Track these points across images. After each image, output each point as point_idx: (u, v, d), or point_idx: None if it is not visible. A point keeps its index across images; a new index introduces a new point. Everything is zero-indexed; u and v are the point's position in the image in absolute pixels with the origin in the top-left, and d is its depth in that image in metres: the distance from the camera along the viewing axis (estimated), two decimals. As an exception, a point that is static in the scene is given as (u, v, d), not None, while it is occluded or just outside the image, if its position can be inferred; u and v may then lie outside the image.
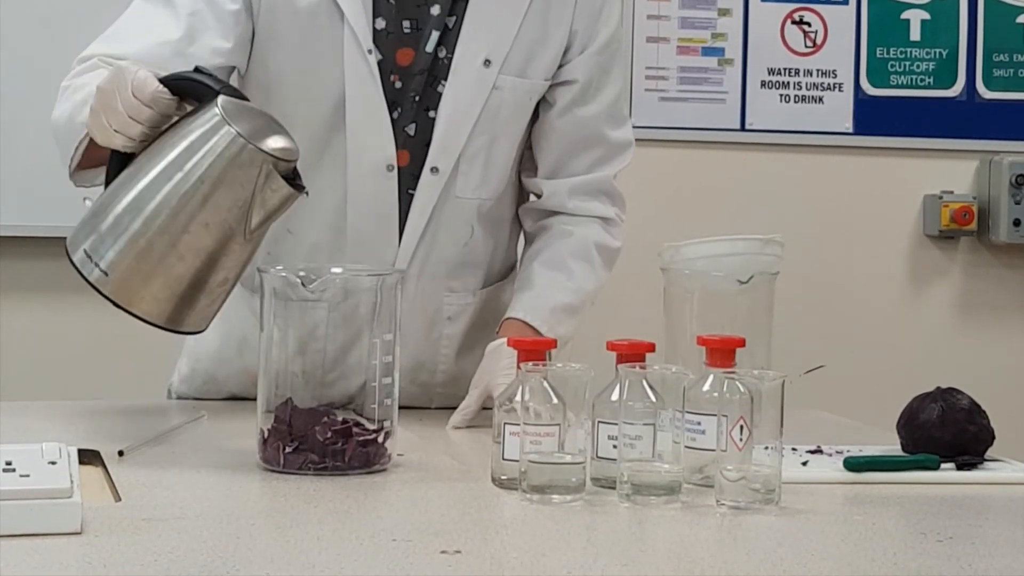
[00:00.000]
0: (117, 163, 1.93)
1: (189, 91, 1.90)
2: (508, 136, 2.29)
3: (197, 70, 1.92)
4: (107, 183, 1.94)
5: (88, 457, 1.85)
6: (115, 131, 1.90)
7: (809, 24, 4.11)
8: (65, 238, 1.93)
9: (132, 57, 2.08)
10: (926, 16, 4.13)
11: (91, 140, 1.97)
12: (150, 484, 1.73)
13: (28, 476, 1.55)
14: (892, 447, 1.98)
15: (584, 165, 2.35)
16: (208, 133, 1.86)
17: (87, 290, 1.90)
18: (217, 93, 1.88)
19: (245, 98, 1.91)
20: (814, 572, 1.48)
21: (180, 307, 1.91)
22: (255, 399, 1.87)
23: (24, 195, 3.67)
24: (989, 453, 1.96)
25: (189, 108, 1.91)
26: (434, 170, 2.23)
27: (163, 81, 1.89)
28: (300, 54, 2.19)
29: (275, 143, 1.87)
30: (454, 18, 2.22)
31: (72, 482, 1.55)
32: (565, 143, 2.33)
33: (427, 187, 2.24)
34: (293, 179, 1.89)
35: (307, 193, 1.89)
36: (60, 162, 2.11)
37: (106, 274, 1.88)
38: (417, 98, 2.22)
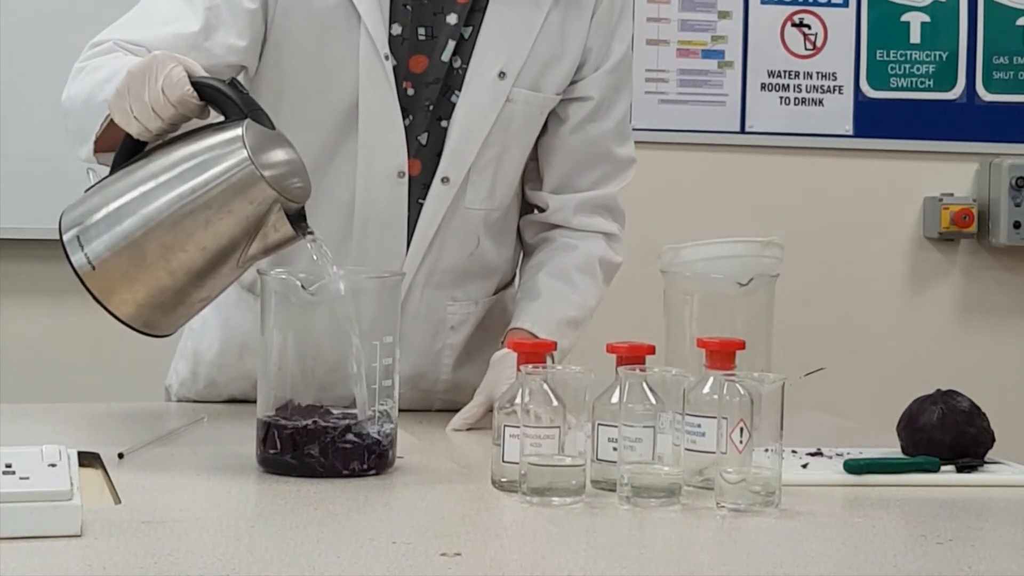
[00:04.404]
0: (129, 147, 1.92)
1: (218, 102, 1.89)
2: (518, 148, 2.29)
3: (232, 82, 1.90)
4: (115, 165, 1.93)
5: (88, 459, 1.85)
6: (135, 118, 1.89)
7: (809, 27, 4.11)
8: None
9: (148, 46, 2.07)
10: (926, 19, 4.14)
11: (109, 122, 1.96)
12: (150, 487, 1.73)
13: (28, 478, 1.55)
14: (892, 449, 1.98)
15: (590, 181, 2.35)
16: (226, 157, 1.85)
17: (86, 292, 1.90)
18: (244, 116, 1.87)
19: (270, 123, 1.90)
20: (814, 574, 1.48)
21: (157, 314, 1.92)
22: (255, 402, 1.87)
23: (23, 198, 3.68)
24: (989, 455, 1.95)
25: (214, 114, 1.90)
26: (445, 180, 2.23)
27: (195, 84, 1.88)
28: (315, 57, 2.18)
29: (289, 182, 1.86)
30: (470, 28, 2.22)
31: (72, 484, 1.55)
32: (575, 159, 2.33)
33: (437, 197, 2.24)
34: (299, 218, 1.89)
35: (311, 233, 1.89)
36: (71, 142, 2.07)
37: (93, 267, 1.88)
38: (431, 107, 2.21)
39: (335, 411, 1.84)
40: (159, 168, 1.88)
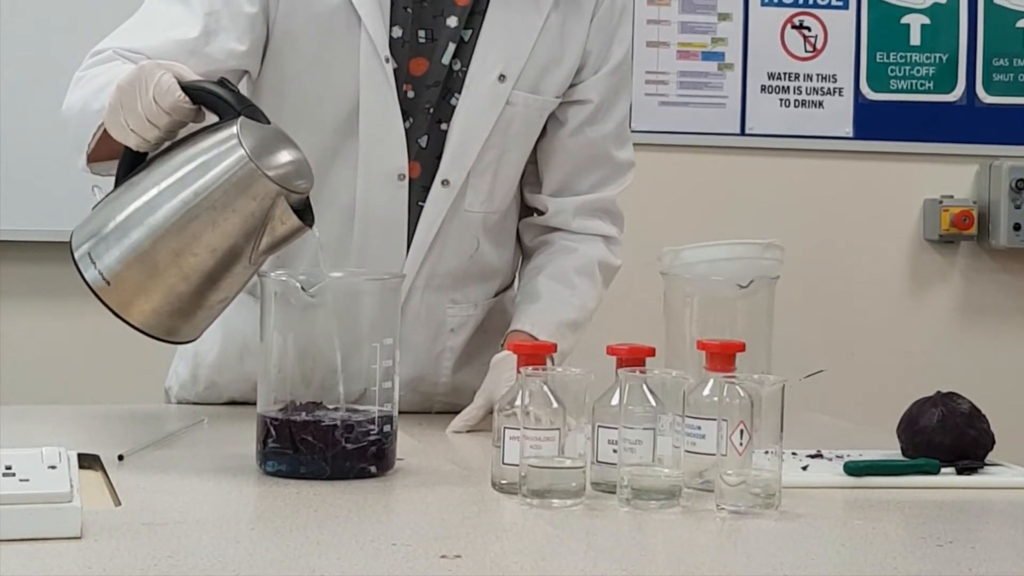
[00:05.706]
0: (130, 160, 1.93)
1: (210, 103, 1.89)
2: (517, 151, 2.29)
3: (222, 82, 1.90)
4: (118, 179, 1.94)
5: (88, 461, 1.85)
6: (131, 130, 1.89)
7: (809, 29, 4.11)
8: (65, 242, 1.93)
9: (148, 53, 2.07)
10: (926, 21, 4.14)
11: (105, 131, 1.96)
12: (150, 488, 1.73)
13: (28, 480, 1.55)
14: (892, 451, 1.98)
15: (589, 184, 2.35)
16: (224, 155, 1.85)
17: (87, 294, 1.91)
18: (238, 114, 1.87)
19: (265, 118, 1.90)
20: (814, 576, 1.48)
21: (177, 321, 1.92)
22: (255, 404, 1.87)
23: (24, 199, 3.68)
24: (989, 457, 1.96)
25: (209, 116, 1.90)
26: (445, 183, 2.23)
27: (186, 88, 1.88)
28: (316, 60, 2.18)
29: (290, 175, 1.86)
30: (470, 31, 2.22)
31: (72, 486, 1.55)
32: (574, 162, 2.34)
33: (437, 200, 2.24)
34: (304, 209, 1.89)
35: (316, 231, 1.89)
36: (70, 151, 2.07)
37: (108, 282, 1.88)
38: (431, 110, 2.22)
39: (336, 413, 1.84)
40: (160, 176, 1.88)
